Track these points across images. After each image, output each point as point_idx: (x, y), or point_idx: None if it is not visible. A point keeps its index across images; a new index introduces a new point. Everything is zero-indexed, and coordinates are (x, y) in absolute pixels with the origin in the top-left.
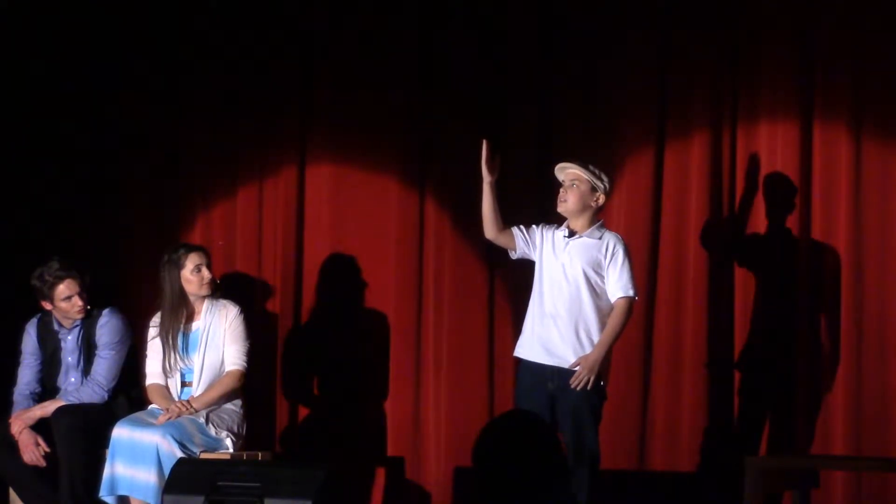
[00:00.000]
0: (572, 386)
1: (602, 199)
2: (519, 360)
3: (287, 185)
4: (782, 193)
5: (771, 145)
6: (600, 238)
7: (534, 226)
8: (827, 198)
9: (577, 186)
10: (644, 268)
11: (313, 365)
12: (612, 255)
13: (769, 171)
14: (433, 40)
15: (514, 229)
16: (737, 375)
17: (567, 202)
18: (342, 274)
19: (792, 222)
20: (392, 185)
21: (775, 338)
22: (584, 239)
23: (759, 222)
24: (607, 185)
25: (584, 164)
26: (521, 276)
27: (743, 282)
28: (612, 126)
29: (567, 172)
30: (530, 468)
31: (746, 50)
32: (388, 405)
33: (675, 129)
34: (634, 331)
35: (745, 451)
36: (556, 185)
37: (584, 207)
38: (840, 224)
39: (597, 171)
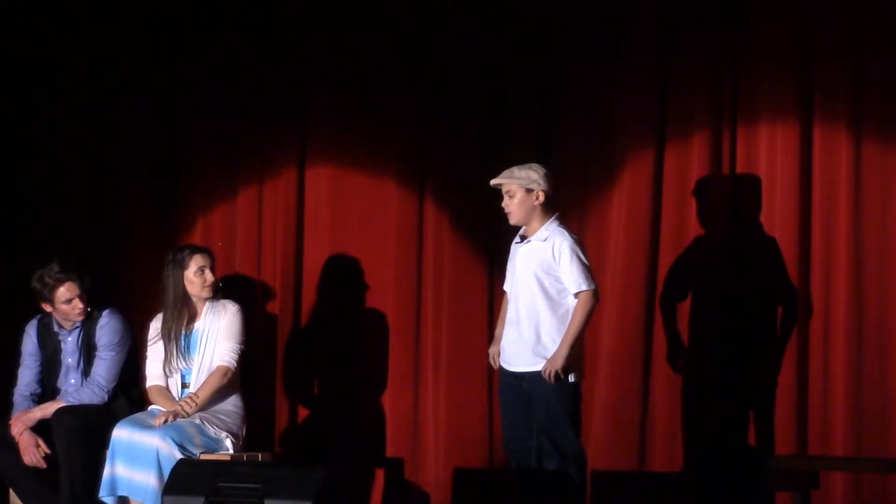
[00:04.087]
0: (544, 380)
1: (542, 195)
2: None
3: (287, 186)
4: (782, 194)
5: (771, 146)
6: (546, 240)
7: (508, 267)
8: (827, 198)
9: (513, 196)
10: (644, 269)
11: (313, 366)
12: (559, 254)
13: (769, 172)
14: (433, 42)
15: (507, 294)
16: (737, 378)
17: (512, 214)
18: (342, 275)
19: (792, 223)
20: (391, 187)
21: (775, 338)
22: (533, 243)
23: (758, 224)
24: (540, 178)
25: (508, 174)
26: None
27: (743, 282)
28: (613, 127)
29: (502, 187)
30: None
31: (747, 51)
32: (388, 406)
33: (676, 129)
34: (634, 331)
35: (745, 453)
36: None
37: (528, 211)
38: (840, 224)
39: (523, 173)
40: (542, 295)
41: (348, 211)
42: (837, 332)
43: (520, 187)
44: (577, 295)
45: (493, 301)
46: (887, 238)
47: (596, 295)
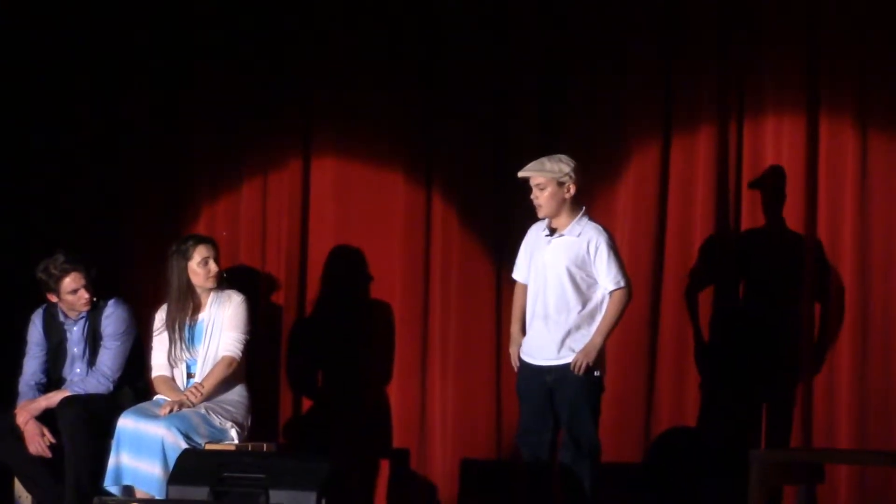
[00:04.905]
0: (572, 373)
1: (573, 188)
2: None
3: (292, 178)
4: (788, 187)
5: (777, 139)
6: (580, 235)
7: (520, 253)
8: (833, 192)
9: (544, 189)
10: (649, 263)
11: (318, 357)
12: (597, 250)
13: (775, 165)
14: (437, 35)
15: (520, 282)
16: (742, 371)
17: (542, 207)
18: (347, 267)
19: (798, 216)
20: (398, 179)
21: (780, 333)
22: (566, 238)
23: (764, 216)
24: (572, 171)
25: (539, 166)
26: None
27: (748, 277)
28: (618, 120)
29: (530, 180)
30: None
31: (753, 43)
32: (394, 397)
33: (682, 123)
34: (639, 326)
35: (750, 446)
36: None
37: (559, 204)
38: (846, 218)
39: (554, 165)
40: (574, 289)
41: (354, 202)
42: (842, 325)
43: (551, 180)
44: (611, 292)
45: (500, 292)
46: (893, 231)
47: (630, 292)
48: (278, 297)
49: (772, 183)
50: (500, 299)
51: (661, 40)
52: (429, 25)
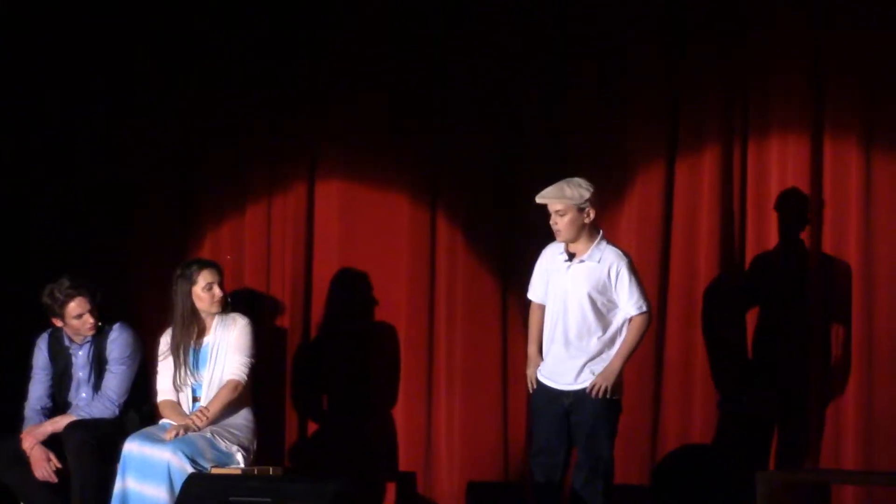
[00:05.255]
0: (590, 394)
1: (593, 213)
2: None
3: (297, 200)
4: (793, 207)
5: (782, 159)
6: (600, 261)
7: (535, 273)
8: (838, 211)
9: (564, 215)
10: (655, 282)
11: (323, 380)
12: (618, 275)
13: (780, 185)
14: (442, 53)
15: (536, 302)
16: (747, 390)
17: (561, 233)
18: (352, 289)
19: (803, 236)
20: (403, 201)
21: (786, 352)
22: (587, 264)
23: (769, 236)
24: (591, 196)
25: (559, 193)
26: None
27: (754, 296)
28: (623, 139)
29: (549, 206)
30: None
31: (757, 63)
32: (400, 420)
33: (686, 142)
34: (644, 348)
35: (756, 467)
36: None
37: (578, 230)
38: (851, 237)
39: (575, 191)
40: (595, 315)
41: (359, 225)
42: (849, 345)
43: (572, 206)
44: (633, 316)
45: (506, 313)
46: None
47: (651, 315)
48: (283, 321)
49: (776, 202)
50: (505, 320)
51: (665, 61)
52: (434, 43)
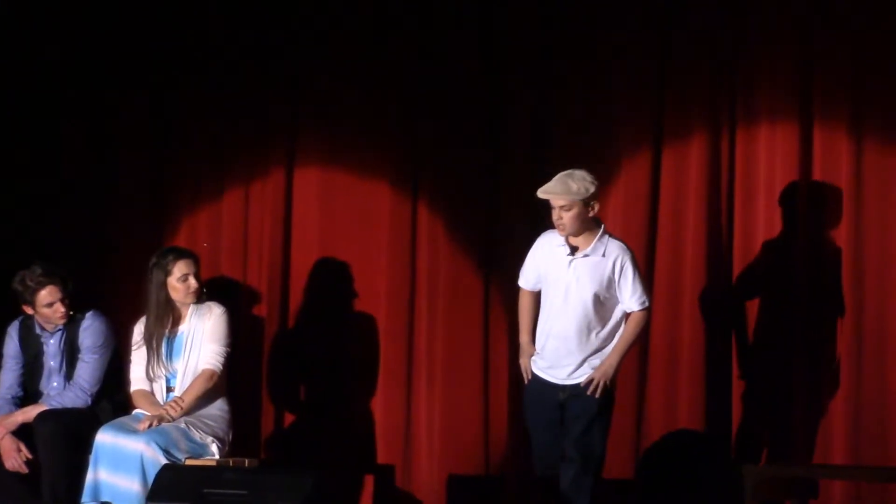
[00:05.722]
0: (586, 389)
1: (597, 206)
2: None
3: (275, 187)
4: (782, 196)
5: (770, 147)
6: (604, 254)
7: (528, 261)
8: (826, 199)
9: (569, 210)
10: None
11: (301, 370)
12: (622, 270)
13: (768, 173)
14: (427, 42)
15: (527, 290)
16: (734, 383)
17: (566, 227)
18: (331, 278)
19: (791, 225)
20: (384, 188)
21: (774, 344)
22: (592, 258)
23: (757, 225)
24: (596, 190)
25: (564, 188)
26: (516, 280)
27: (741, 286)
28: (609, 128)
29: (552, 201)
30: None
31: (745, 51)
32: (379, 412)
33: (673, 131)
34: None
35: (743, 460)
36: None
37: (582, 224)
38: (840, 227)
39: (580, 186)
40: (596, 311)
41: (338, 212)
42: (837, 337)
43: (577, 201)
44: (635, 312)
45: (488, 303)
46: (887, 241)
47: (650, 311)
48: (260, 309)
49: (764, 192)
50: (487, 310)
51: (652, 49)
52: (416, 32)
